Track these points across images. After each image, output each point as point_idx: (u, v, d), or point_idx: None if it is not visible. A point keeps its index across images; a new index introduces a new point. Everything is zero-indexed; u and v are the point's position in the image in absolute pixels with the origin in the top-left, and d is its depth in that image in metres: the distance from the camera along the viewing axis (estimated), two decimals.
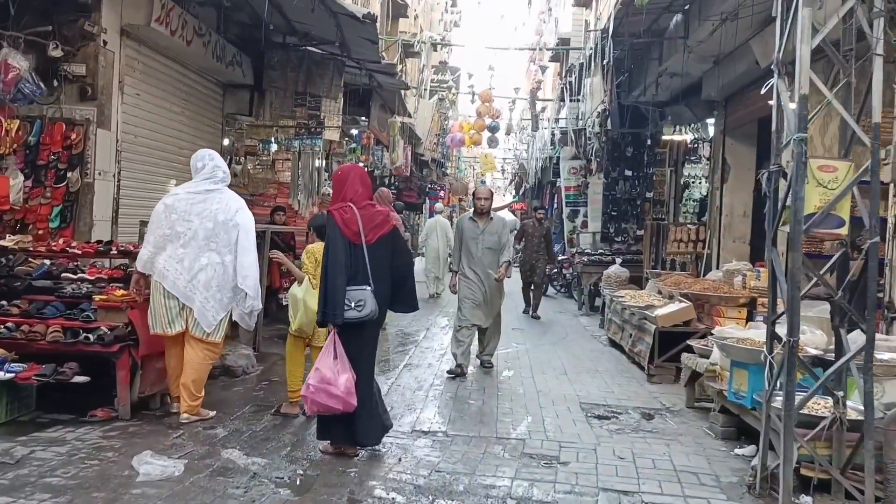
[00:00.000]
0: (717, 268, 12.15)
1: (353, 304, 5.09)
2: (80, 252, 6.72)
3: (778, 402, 4.78)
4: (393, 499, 4.59)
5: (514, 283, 19.00)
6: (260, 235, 7.27)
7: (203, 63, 10.30)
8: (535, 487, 4.87)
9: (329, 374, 5.02)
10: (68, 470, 4.74)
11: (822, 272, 4.87)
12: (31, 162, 7.90)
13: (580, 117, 18.17)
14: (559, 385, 8.12)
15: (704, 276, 12.23)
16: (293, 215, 11.57)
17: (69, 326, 5.91)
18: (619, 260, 13.89)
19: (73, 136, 7.89)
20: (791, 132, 4.49)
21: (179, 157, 10.20)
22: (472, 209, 9.02)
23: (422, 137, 22.39)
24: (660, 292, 11.01)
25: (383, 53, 16.05)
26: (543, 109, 26.99)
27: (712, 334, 7.49)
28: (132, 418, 5.90)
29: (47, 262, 6.67)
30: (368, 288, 5.16)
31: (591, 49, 14.70)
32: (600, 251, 16.33)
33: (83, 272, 6.53)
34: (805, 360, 5.06)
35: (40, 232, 7.78)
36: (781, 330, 4.76)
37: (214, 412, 6.13)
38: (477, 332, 8.77)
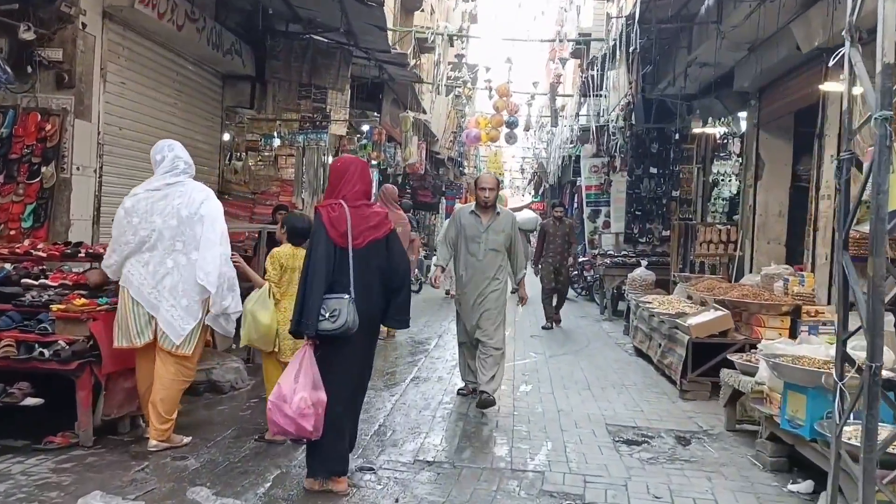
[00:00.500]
0: (751, 271, 11.37)
1: (327, 315, 4.41)
2: (44, 255, 6.00)
3: (849, 434, 3.98)
4: None
5: (533, 286, 18.28)
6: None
7: (198, 51, 9.58)
8: None
9: (286, 391, 4.37)
10: None
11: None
12: (2, 156, 7.23)
13: (601, 113, 17.39)
14: (582, 403, 7.31)
15: (737, 279, 11.42)
16: None
17: (23, 340, 5.18)
18: (644, 262, 13.05)
19: (49, 128, 7.20)
20: (872, 109, 3.65)
21: None
22: (475, 202, 7.40)
23: (437, 135, 21.63)
24: (689, 298, 10.20)
25: (396, 45, 15.34)
26: (563, 107, 26.22)
27: (755, 348, 6.66)
28: (94, 445, 5.17)
29: (7, 265, 5.94)
30: (347, 297, 4.46)
31: (614, 39, 13.88)
32: (624, 252, 15.56)
33: (47, 278, 5.81)
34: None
35: (12, 232, 7.11)
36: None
37: (189, 438, 5.39)
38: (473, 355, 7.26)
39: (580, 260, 17.17)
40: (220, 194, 11.03)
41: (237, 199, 11.03)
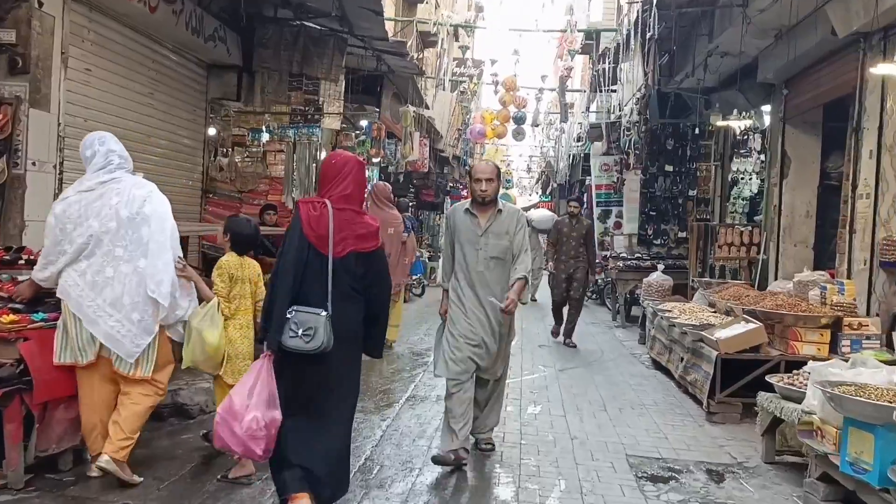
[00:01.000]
0: (776, 276, 10.58)
1: (299, 332, 3.82)
2: None
3: None
4: None
5: (541, 289, 17.51)
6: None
7: (175, 36, 8.78)
8: None
9: (237, 407, 3.81)
10: None
11: None
12: None
13: (612, 110, 16.60)
14: (599, 428, 6.48)
15: (760, 285, 10.62)
16: (286, 215, 10.01)
17: None
18: (661, 266, 12.22)
19: (0, 118, 6.42)
20: None
21: (149, 146, 8.74)
22: (470, 199, 5.63)
23: (442, 132, 20.81)
24: (712, 306, 9.39)
25: (398, 36, 14.55)
26: (572, 105, 25.44)
27: (791, 365, 5.82)
28: (26, 487, 4.38)
29: None
30: (324, 313, 3.85)
31: (627, 28, 13.07)
32: (637, 255, 14.74)
33: None
34: None
35: None
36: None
37: (141, 479, 4.59)
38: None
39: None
40: (205, 193, 10.29)
41: (222, 198, 10.25)
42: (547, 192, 38.93)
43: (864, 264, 7.73)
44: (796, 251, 10.86)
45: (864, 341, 6.85)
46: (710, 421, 6.81)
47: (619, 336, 12.31)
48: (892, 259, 6.95)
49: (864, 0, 7.28)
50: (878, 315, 7.22)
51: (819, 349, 6.83)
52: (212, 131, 10.28)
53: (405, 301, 12.46)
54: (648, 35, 10.93)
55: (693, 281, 12.12)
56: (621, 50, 13.70)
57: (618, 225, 17.50)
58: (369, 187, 11.77)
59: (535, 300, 17.26)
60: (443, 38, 18.68)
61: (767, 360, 6.81)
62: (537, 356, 9.96)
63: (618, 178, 17.59)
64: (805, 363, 6.13)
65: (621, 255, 14.91)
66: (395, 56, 11.99)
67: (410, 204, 18.08)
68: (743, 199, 14.16)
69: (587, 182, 20.56)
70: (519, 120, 18.42)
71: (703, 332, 7.51)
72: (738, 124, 11.83)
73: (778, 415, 5.41)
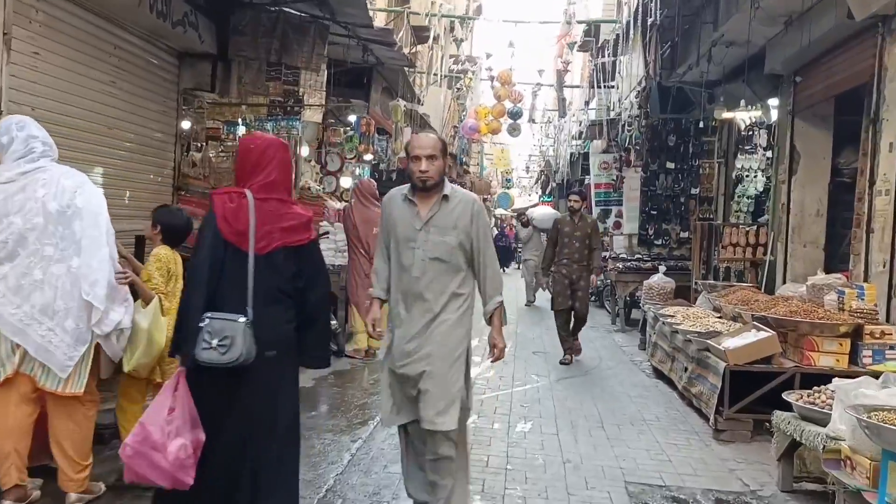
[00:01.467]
0: (784, 278, 9.99)
1: (213, 342, 3.25)
2: None
3: None
4: None
5: (541, 294, 16.90)
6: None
7: (139, 20, 8.12)
8: None
9: (156, 436, 3.26)
10: None
11: None
12: None
13: (612, 107, 16.03)
14: (595, 449, 5.85)
15: (767, 288, 10.02)
16: None
17: None
18: (662, 268, 11.62)
19: None
20: None
21: (112, 139, 8.08)
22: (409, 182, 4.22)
23: (436, 129, 20.22)
24: (716, 310, 8.77)
25: (387, 25, 13.91)
26: (570, 103, 24.88)
27: (818, 389, 5.16)
28: None
29: None
30: (243, 319, 3.29)
31: (627, 19, 12.48)
32: (638, 256, 14.18)
33: None
34: None
35: None
36: None
37: (102, 486, 4.36)
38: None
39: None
40: (176, 190, 9.65)
41: (195, 195, 9.58)
42: (547, 192, 38.32)
43: (884, 266, 7.13)
44: (806, 252, 10.30)
45: (887, 351, 6.24)
46: (718, 440, 6.19)
47: (618, 341, 11.71)
48: None
49: None
50: None
51: (838, 360, 6.24)
52: (185, 124, 9.63)
53: None
54: (650, 21, 10.32)
55: (696, 283, 11.53)
56: (621, 41, 13.10)
57: (617, 225, 16.93)
58: (355, 183, 11.22)
59: (534, 301, 16.77)
60: (438, 34, 18.08)
61: (781, 373, 6.20)
62: (531, 364, 9.33)
63: (617, 177, 17.04)
64: (822, 375, 5.59)
65: (621, 256, 14.36)
66: (382, 46, 11.36)
67: None
68: (748, 198, 13.59)
69: (586, 181, 20.05)
70: (515, 115, 17.80)
71: (709, 341, 6.88)
72: (744, 116, 11.24)
73: (797, 438, 4.78)
